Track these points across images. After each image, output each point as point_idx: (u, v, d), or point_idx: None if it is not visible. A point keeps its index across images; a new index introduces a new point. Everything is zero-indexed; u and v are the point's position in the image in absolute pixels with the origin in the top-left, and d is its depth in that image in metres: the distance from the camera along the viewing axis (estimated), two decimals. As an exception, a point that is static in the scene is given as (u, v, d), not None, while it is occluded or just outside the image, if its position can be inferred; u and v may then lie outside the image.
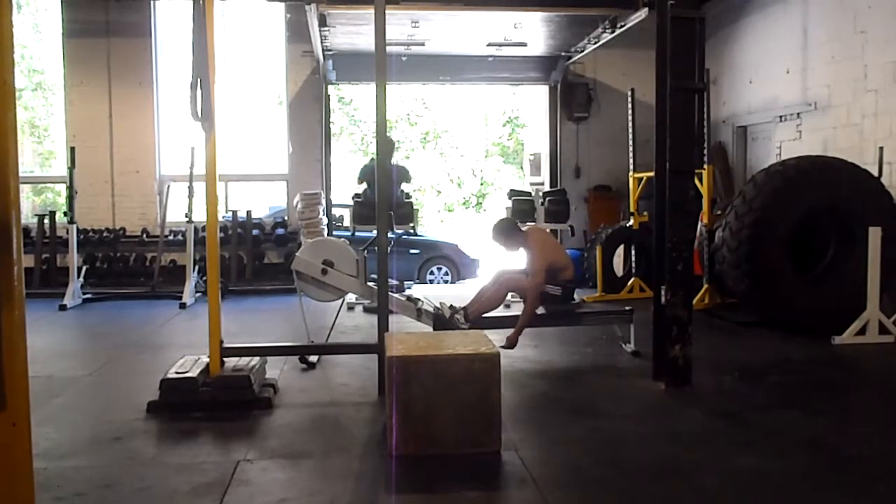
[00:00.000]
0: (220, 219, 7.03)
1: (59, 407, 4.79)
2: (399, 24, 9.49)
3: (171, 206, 10.40)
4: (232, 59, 13.57)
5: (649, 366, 5.37)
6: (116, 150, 11.20)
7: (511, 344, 5.75)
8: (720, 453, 3.91)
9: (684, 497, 3.41)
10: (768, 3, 10.15)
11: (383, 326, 4.99)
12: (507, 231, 6.07)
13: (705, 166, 8.26)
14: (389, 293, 5.28)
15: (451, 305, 5.90)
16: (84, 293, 9.34)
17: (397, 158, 10.75)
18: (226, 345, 4.93)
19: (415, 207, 9.38)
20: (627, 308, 6.40)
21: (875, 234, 6.37)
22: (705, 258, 8.16)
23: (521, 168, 20.94)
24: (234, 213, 11.21)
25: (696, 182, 7.00)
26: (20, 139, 1.98)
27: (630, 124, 9.55)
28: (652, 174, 5.47)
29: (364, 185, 8.51)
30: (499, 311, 6.32)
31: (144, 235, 11.00)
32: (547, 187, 11.78)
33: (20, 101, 13.05)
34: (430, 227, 21.66)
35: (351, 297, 7.58)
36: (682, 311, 5.07)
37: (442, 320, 5.79)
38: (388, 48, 5.11)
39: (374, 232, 5.48)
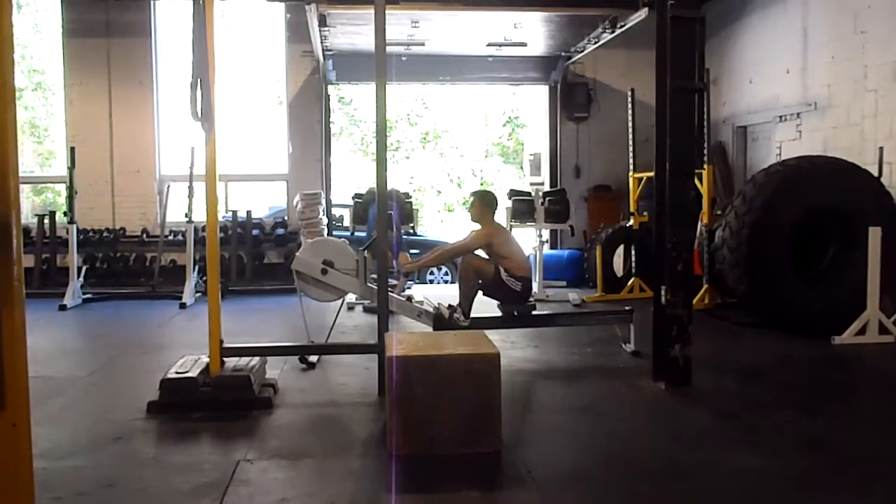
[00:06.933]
0: (220, 219, 7.03)
1: (59, 407, 4.79)
2: (399, 24, 9.49)
3: (171, 206, 10.40)
4: (232, 59, 13.55)
5: (649, 366, 5.37)
6: (116, 150, 11.19)
7: (404, 270, 6.32)
8: (720, 453, 3.91)
9: (684, 497, 3.41)
10: (768, 3, 10.15)
11: (383, 326, 4.99)
12: (488, 202, 6.24)
13: (705, 166, 8.27)
14: (389, 293, 5.28)
15: (450, 305, 5.91)
16: (84, 293, 9.33)
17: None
18: (226, 345, 4.93)
19: (414, 207, 9.39)
20: (627, 308, 6.40)
21: (875, 234, 6.36)
22: (705, 258, 8.16)
23: (521, 168, 20.95)
24: (234, 213, 11.20)
25: (696, 182, 7.00)
26: (20, 139, 1.98)
27: (630, 124, 9.55)
28: (652, 174, 5.47)
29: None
30: (498, 311, 6.32)
31: (144, 235, 10.99)
32: (547, 187, 11.77)
33: (20, 101, 13.05)
34: (430, 226, 21.65)
35: (351, 297, 7.58)
36: (682, 311, 5.07)
37: (442, 320, 5.80)
38: (388, 48, 5.11)
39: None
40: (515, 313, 6.17)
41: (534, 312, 6.32)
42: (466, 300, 5.99)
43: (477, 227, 6.22)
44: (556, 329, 6.86)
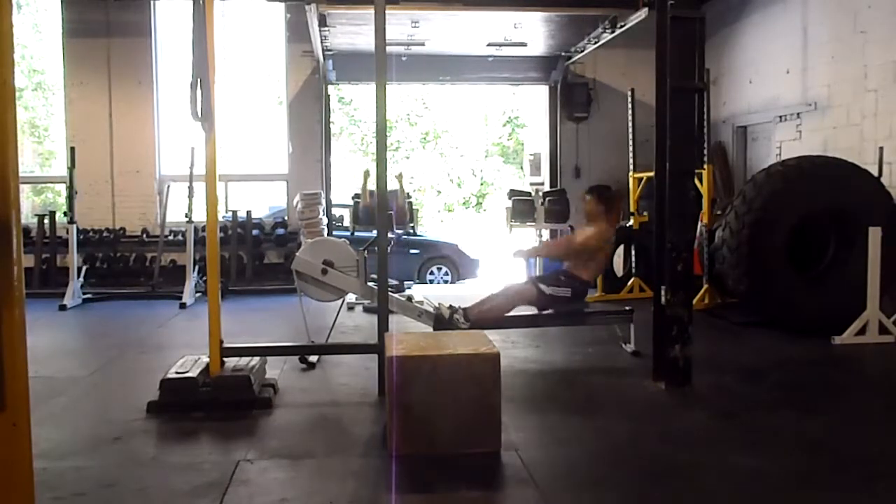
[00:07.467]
0: (220, 219, 7.03)
1: (59, 407, 4.79)
2: (399, 24, 9.49)
3: (171, 206, 10.40)
4: (232, 59, 13.57)
5: (649, 366, 5.37)
6: (116, 150, 11.19)
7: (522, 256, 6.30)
8: (720, 453, 3.91)
9: (684, 497, 3.41)
10: (768, 3, 10.15)
11: (383, 326, 4.99)
12: (607, 201, 6.12)
13: (705, 166, 8.27)
14: (389, 293, 5.28)
15: (451, 305, 5.90)
16: (84, 293, 9.32)
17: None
18: (226, 345, 4.93)
19: (414, 207, 9.39)
20: (627, 308, 6.39)
21: (875, 234, 6.36)
22: (705, 258, 8.16)
23: (521, 168, 20.96)
24: (234, 213, 11.21)
25: (696, 182, 7.00)
26: (20, 139, 1.98)
27: (630, 124, 9.55)
28: (652, 174, 5.47)
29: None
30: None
31: (144, 235, 11.00)
32: (547, 187, 11.78)
33: (20, 101, 13.05)
34: (430, 227, 21.66)
35: (351, 297, 7.58)
36: (682, 311, 5.07)
37: (442, 320, 5.79)
38: (388, 48, 5.11)
39: (374, 232, 5.48)
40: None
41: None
42: (485, 314, 5.88)
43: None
44: (556, 329, 6.85)
